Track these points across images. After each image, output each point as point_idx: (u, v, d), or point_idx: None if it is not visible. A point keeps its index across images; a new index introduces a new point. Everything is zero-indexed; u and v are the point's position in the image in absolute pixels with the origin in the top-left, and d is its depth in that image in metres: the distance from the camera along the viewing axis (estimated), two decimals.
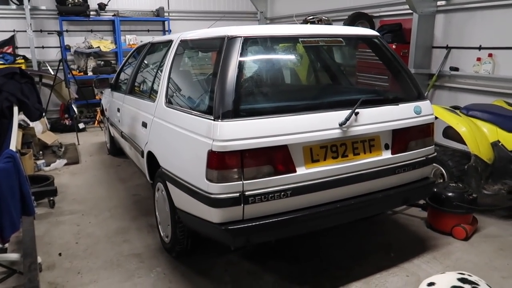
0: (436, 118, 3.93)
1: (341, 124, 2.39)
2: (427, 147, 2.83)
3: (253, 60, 2.61)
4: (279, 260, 2.95)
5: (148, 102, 3.23)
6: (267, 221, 2.27)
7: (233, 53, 2.30)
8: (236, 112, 2.19)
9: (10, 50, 7.37)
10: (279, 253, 3.04)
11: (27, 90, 2.66)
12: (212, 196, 2.19)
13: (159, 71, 3.21)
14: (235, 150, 2.15)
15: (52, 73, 7.08)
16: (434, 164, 3.86)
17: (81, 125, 7.29)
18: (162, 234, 3.10)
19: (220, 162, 2.15)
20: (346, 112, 2.41)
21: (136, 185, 4.51)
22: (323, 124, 2.37)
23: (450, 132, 3.85)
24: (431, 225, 3.41)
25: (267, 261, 2.94)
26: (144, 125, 3.20)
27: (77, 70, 7.85)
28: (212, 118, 2.19)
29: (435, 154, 2.94)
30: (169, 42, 3.23)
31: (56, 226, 3.58)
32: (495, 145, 3.57)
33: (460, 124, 3.65)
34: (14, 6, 7.32)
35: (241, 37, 2.36)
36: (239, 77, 2.26)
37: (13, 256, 2.87)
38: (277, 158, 2.26)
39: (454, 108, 3.99)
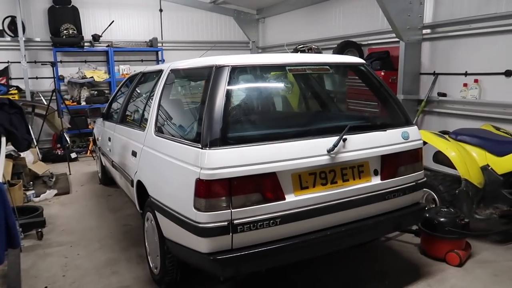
0: (425, 143, 3.98)
1: (329, 151, 2.40)
2: (416, 172, 2.83)
3: (241, 89, 2.65)
4: None
5: (138, 131, 3.24)
6: (256, 250, 2.23)
7: (221, 81, 2.33)
8: (224, 140, 2.19)
9: (3, 81, 7.43)
10: (272, 283, 2.98)
11: (16, 121, 2.66)
12: (200, 225, 2.16)
13: (149, 100, 3.24)
14: (223, 178, 2.14)
15: (45, 103, 7.11)
16: (425, 189, 3.88)
17: (73, 155, 7.27)
18: (151, 265, 3.04)
19: (208, 191, 2.13)
20: (335, 139, 2.43)
21: (127, 215, 4.45)
22: (311, 150, 2.38)
23: (440, 157, 3.88)
24: (425, 251, 3.38)
25: None
26: (134, 154, 3.20)
27: (71, 100, 7.90)
28: (200, 146, 2.19)
29: (425, 179, 2.94)
30: (160, 71, 3.27)
31: (44, 258, 3.50)
32: (485, 169, 3.59)
33: (450, 149, 3.68)
34: (8, 38, 7.42)
35: (228, 66, 2.40)
36: (227, 105, 2.28)
37: None
38: (265, 185, 2.25)
39: (443, 133, 4.03)
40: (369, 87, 2.95)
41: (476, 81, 4.66)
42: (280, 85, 3.12)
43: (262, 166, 2.22)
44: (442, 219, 3.24)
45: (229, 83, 2.34)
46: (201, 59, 2.72)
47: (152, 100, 3.12)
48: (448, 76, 5.04)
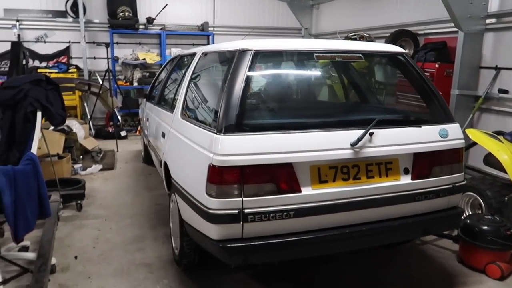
0: (475, 143, 3.64)
1: (352, 145, 2.25)
2: (454, 174, 2.58)
3: (263, 74, 2.55)
4: (290, 283, 2.82)
5: (168, 113, 3.27)
6: (267, 242, 2.16)
7: (242, 66, 2.25)
8: (239, 127, 2.13)
9: (65, 60, 7.91)
10: (292, 276, 2.90)
11: (52, 97, 2.78)
12: (211, 211, 2.13)
13: (181, 83, 3.25)
14: (235, 165, 2.08)
15: (101, 82, 7.47)
16: (470, 193, 3.58)
17: (123, 133, 7.59)
18: (173, 245, 3.08)
19: (220, 177, 2.09)
20: (359, 132, 2.27)
21: (161, 194, 4.56)
22: (333, 143, 2.25)
23: (491, 159, 3.53)
24: (463, 259, 3.11)
25: (277, 283, 2.82)
26: (163, 135, 3.24)
27: (124, 81, 8.23)
28: (215, 131, 2.15)
29: (465, 182, 2.68)
30: (193, 54, 3.26)
31: (79, 229, 3.69)
32: None
33: (502, 151, 3.34)
34: (70, 19, 7.85)
35: (251, 50, 2.32)
36: (246, 91, 2.20)
37: (30, 255, 2.97)
38: (280, 176, 2.16)
39: (497, 134, 3.66)
40: (407, 78, 2.72)
41: None
42: (306, 72, 2.97)
43: (278, 156, 2.13)
44: (484, 227, 2.96)
45: (250, 68, 2.26)
46: (230, 43, 2.66)
47: (183, 83, 3.12)
48: None
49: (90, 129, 7.15)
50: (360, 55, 2.61)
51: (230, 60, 2.38)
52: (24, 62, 4.94)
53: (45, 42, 7.77)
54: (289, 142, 2.16)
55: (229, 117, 2.13)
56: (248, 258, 2.21)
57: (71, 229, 3.69)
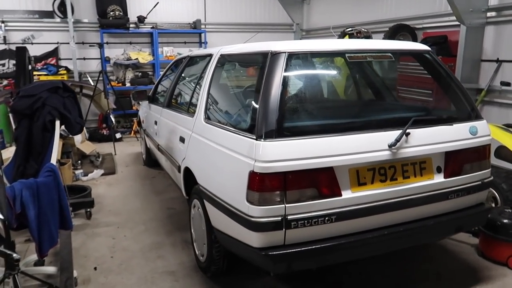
0: None
1: (390, 146, 2.23)
2: (483, 171, 2.61)
3: (298, 77, 2.51)
4: (319, 285, 2.80)
5: (186, 116, 3.18)
6: (310, 247, 2.13)
7: (277, 69, 2.20)
8: (280, 132, 2.08)
9: (53, 62, 7.65)
10: (320, 277, 2.88)
11: (69, 105, 2.67)
12: (253, 219, 2.08)
13: (198, 85, 3.17)
14: (278, 172, 2.03)
15: (92, 84, 7.27)
16: None
17: (118, 135, 7.43)
18: (197, 252, 3.02)
19: (262, 184, 2.04)
20: (395, 132, 2.25)
21: (171, 198, 4.48)
22: (371, 145, 2.23)
23: (503, 152, 3.59)
24: (484, 253, 3.15)
25: (305, 285, 2.79)
26: (182, 140, 3.15)
27: (116, 81, 8.04)
28: (254, 137, 2.09)
29: (492, 178, 2.71)
30: (209, 56, 3.18)
31: (92, 238, 3.58)
32: None
33: None
34: (58, 19, 7.60)
35: (285, 52, 2.26)
36: (283, 94, 2.15)
37: (50, 269, 2.86)
38: (322, 180, 2.13)
39: (508, 126, 3.72)
40: (435, 77, 2.72)
41: None
42: (339, 73, 2.94)
43: (319, 160, 2.10)
44: (506, 221, 3.00)
45: (285, 71, 2.21)
46: (255, 44, 2.60)
47: (201, 85, 3.04)
48: None
49: (84, 132, 6.96)
50: (390, 54, 2.59)
51: (261, 63, 2.32)
52: (30, 67, 4.75)
53: (32, 43, 7.48)
54: (329, 145, 2.13)
55: (269, 122, 2.08)
56: (291, 265, 2.17)
57: (84, 238, 3.58)
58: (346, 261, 2.60)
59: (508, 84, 4.68)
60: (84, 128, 7.16)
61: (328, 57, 2.61)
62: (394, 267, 3.04)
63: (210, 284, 2.84)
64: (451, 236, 3.44)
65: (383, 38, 5.85)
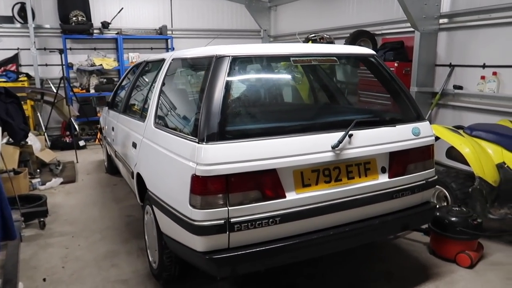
0: (438, 138, 3.81)
1: (333, 147, 2.27)
2: (427, 170, 2.69)
3: (242, 80, 2.52)
4: None
5: (138, 122, 3.15)
6: (254, 250, 2.13)
7: (220, 72, 2.21)
8: (222, 135, 2.08)
9: (13, 68, 7.43)
10: (274, 281, 2.89)
11: (13, 110, 2.60)
12: (196, 223, 2.07)
13: (150, 90, 3.14)
14: (220, 175, 2.03)
15: (54, 90, 7.10)
16: (437, 186, 3.73)
17: (81, 143, 7.26)
18: (150, 259, 2.97)
19: (204, 187, 2.04)
20: (338, 134, 2.30)
21: (131, 205, 4.40)
22: (315, 146, 2.26)
23: (453, 153, 3.71)
24: (434, 251, 3.24)
25: None
26: (134, 145, 3.12)
27: (80, 88, 7.87)
28: (197, 141, 2.09)
29: (436, 177, 2.79)
30: (162, 60, 3.17)
31: (44, 248, 3.47)
32: (501, 167, 3.42)
33: (464, 144, 3.51)
34: (18, 25, 7.40)
35: (229, 56, 2.28)
36: (226, 97, 2.16)
37: None
38: (265, 182, 2.14)
39: (457, 128, 3.85)
40: (380, 80, 2.80)
41: (494, 73, 4.44)
42: (284, 77, 2.98)
43: (262, 162, 2.11)
44: (453, 219, 3.10)
45: (229, 74, 2.22)
46: (203, 49, 2.60)
47: (153, 90, 3.02)
48: (465, 68, 4.82)
49: (45, 140, 6.77)
50: (335, 58, 2.65)
51: (207, 66, 2.33)
52: None
53: None
54: (272, 147, 2.15)
55: (211, 125, 2.08)
56: (236, 268, 2.17)
57: (35, 249, 3.46)
58: (293, 262, 2.62)
59: (460, 87, 4.86)
60: (46, 135, 7.01)
61: (273, 61, 2.63)
62: (348, 267, 3.08)
63: None
64: (403, 235, 3.53)
65: (344, 44, 5.97)
